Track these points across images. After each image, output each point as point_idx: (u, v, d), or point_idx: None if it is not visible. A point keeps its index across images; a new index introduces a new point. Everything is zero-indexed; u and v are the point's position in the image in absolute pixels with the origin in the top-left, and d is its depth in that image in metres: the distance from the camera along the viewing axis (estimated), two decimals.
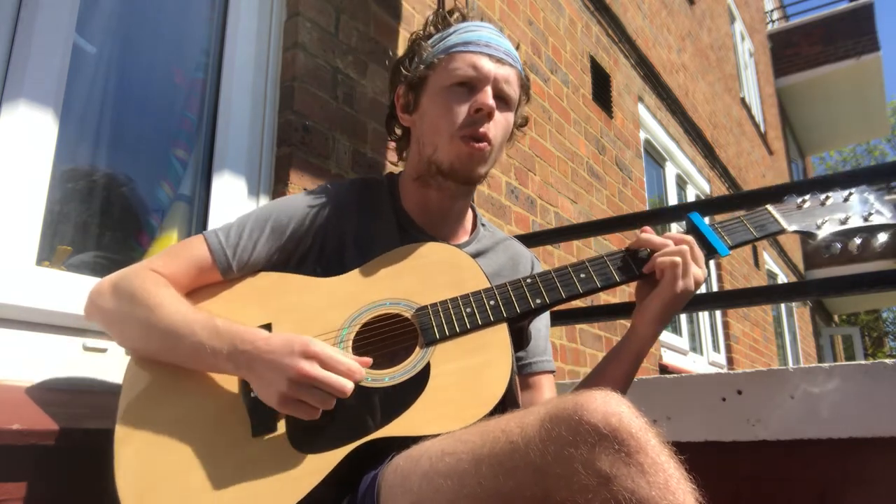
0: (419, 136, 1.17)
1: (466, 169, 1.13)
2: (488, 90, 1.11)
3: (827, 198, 1.11)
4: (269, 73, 1.89)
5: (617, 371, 1.09)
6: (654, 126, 5.04)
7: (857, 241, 1.08)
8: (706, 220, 1.12)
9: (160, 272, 1.08)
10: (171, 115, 1.77)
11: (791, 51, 11.47)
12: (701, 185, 6.09)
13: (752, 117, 8.80)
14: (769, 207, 1.10)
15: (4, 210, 1.28)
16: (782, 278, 9.11)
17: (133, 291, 1.04)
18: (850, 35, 10.94)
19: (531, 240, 2.21)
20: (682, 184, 5.81)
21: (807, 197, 1.11)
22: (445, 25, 1.19)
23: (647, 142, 5.01)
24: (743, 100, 8.40)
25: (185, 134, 1.77)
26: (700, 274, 1.03)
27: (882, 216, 1.08)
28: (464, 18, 1.21)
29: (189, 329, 0.98)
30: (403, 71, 1.19)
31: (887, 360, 1.30)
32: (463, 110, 1.11)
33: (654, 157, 5.29)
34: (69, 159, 1.49)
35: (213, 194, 1.71)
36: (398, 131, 1.25)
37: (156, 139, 1.75)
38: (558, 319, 2.24)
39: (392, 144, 1.29)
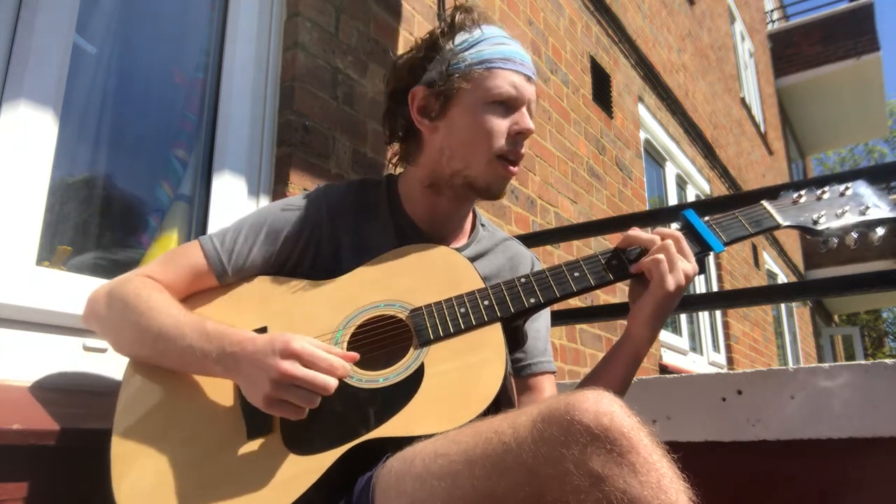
0: (443, 146, 1.13)
1: (501, 189, 1.14)
2: (525, 111, 1.11)
3: (823, 192, 1.09)
4: (269, 73, 1.89)
5: (613, 374, 1.07)
6: (654, 126, 5.04)
7: (855, 235, 1.06)
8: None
9: (155, 278, 1.08)
10: (171, 115, 1.77)
11: (791, 51, 11.46)
12: (701, 185, 6.09)
13: (752, 117, 8.80)
14: (764, 203, 1.09)
15: (4, 210, 1.27)
16: (782, 278, 9.11)
17: (126, 297, 1.04)
18: (850, 35, 10.93)
19: (531, 240, 2.21)
20: (682, 184, 5.81)
21: (803, 192, 1.10)
22: (469, 26, 1.13)
23: (647, 142, 5.01)
24: (743, 100, 8.40)
25: (185, 134, 1.77)
26: (689, 269, 1.01)
27: (880, 210, 1.06)
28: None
29: (179, 332, 0.98)
30: (428, 73, 1.12)
31: (887, 360, 1.30)
32: (503, 130, 1.10)
33: (654, 157, 5.29)
34: (69, 159, 1.49)
35: (213, 194, 1.71)
36: (400, 133, 1.20)
37: (156, 139, 1.75)
38: (558, 319, 2.24)
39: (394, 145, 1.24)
